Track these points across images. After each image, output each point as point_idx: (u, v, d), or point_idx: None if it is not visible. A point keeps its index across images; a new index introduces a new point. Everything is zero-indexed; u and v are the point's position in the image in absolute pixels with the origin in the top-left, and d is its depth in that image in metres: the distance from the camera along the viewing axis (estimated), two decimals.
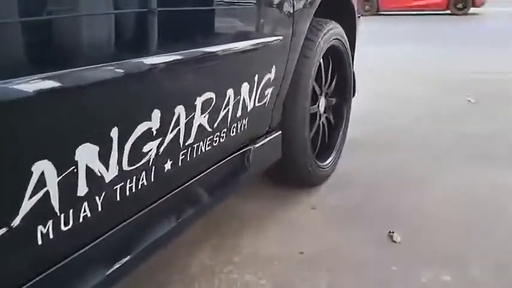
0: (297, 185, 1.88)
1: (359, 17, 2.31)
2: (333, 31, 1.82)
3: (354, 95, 2.33)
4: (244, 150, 1.39)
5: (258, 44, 1.29)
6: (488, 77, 4.06)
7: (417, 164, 2.13)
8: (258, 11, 1.30)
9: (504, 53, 5.50)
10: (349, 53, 2.05)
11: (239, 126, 1.30)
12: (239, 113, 1.27)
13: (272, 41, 1.35)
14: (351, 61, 2.08)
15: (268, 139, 1.51)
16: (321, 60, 1.82)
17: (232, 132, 1.28)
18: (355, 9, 2.16)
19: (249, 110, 1.32)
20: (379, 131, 2.64)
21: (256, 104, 1.36)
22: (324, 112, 1.99)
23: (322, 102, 1.92)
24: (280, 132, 1.57)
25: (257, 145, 1.46)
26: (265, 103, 1.41)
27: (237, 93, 1.22)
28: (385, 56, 5.42)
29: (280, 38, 1.39)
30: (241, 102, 1.26)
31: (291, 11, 1.44)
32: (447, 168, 2.07)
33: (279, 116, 1.56)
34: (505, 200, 1.77)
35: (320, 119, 1.93)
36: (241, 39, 1.24)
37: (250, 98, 1.32)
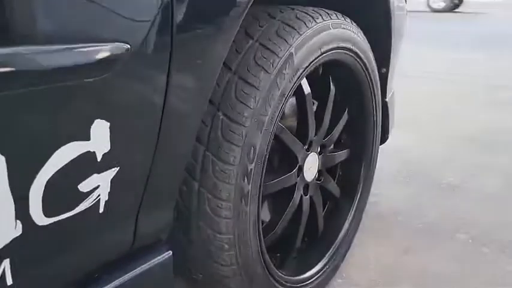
0: None
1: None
2: (329, 34, 0.93)
3: (385, 140, 1.40)
4: None
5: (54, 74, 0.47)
6: None
7: None
8: None
9: None
10: (373, 73, 1.13)
11: None
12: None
13: (98, 62, 0.51)
14: (375, 86, 1.15)
15: (130, 269, 0.66)
16: (304, 87, 0.94)
17: None
18: None
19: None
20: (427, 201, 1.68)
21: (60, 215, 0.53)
22: (318, 179, 1.10)
23: (310, 163, 1.03)
24: (169, 252, 0.71)
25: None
26: (94, 206, 0.57)
27: None
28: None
29: (127, 47, 0.54)
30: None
31: None
32: None
33: (165, 220, 0.71)
34: None
35: (307, 193, 1.05)
36: None
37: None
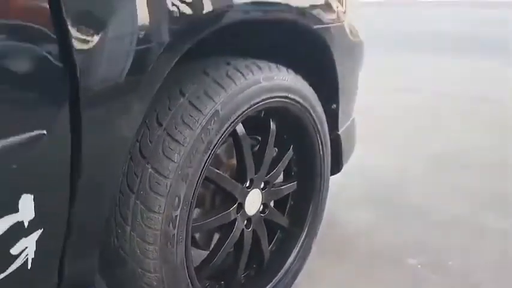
0: None
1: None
2: (259, 87, 1.01)
3: (339, 170, 1.48)
4: None
5: None
6: None
7: None
8: None
9: None
10: (315, 113, 1.20)
11: None
12: None
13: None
14: (318, 124, 1.23)
15: None
16: (239, 131, 1.03)
17: None
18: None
19: None
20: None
21: None
22: (262, 211, 1.19)
23: (252, 199, 1.13)
24: None
25: None
26: (23, 264, 0.67)
27: None
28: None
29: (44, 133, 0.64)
30: None
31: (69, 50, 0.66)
32: None
33: (90, 266, 0.81)
34: None
35: (249, 227, 1.14)
36: None
37: None
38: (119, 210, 0.88)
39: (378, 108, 2.98)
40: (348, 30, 1.33)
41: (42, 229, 0.69)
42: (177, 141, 0.87)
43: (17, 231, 0.66)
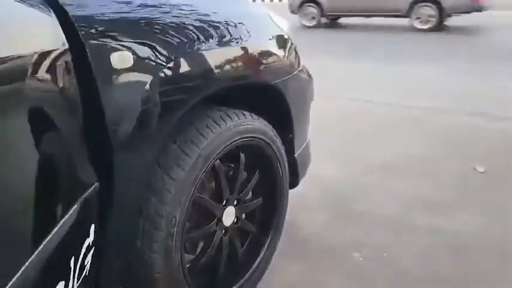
0: None
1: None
2: (231, 132, 1.35)
3: (296, 185, 1.85)
4: None
5: None
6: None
7: None
8: None
9: None
10: (274, 144, 1.56)
11: None
12: None
13: None
14: (277, 152, 1.58)
15: None
16: (217, 166, 1.38)
17: None
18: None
19: None
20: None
21: None
22: (236, 222, 1.54)
23: (228, 214, 1.48)
24: None
25: None
26: None
27: None
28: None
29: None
30: None
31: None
32: None
33: None
34: None
35: (226, 235, 1.50)
36: None
37: None
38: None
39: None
40: (299, 77, 1.71)
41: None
42: (172, 178, 1.22)
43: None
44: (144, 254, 1.22)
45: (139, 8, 1.17)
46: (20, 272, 0.75)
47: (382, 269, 1.76)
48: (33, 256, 0.78)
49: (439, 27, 9.33)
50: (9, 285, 0.72)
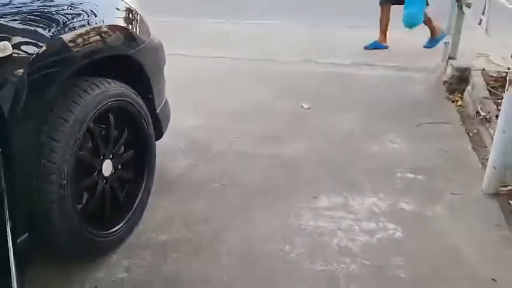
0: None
1: None
2: (101, 96, 1.65)
3: (160, 137, 2.22)
4: None
5: None
6: (330, 70, 4.05)
7: None
8: None
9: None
10: (138, 104, 1.89)
11: None
12: None
13: None
14: (141, 110, 1.92)
15: None
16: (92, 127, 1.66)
17: None
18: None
19: None
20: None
21: None
22: (114, 172, 1.86)
23: (106, 165, 1.79)
24: None
25: None
26: None
27: None
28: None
29: None
30: None
31: None
32: None
33: None
34: None
35: (107, 183, 1.81)
36: None
37: None
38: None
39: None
40: (151, 45, 2.02)
41: None
42: (56, 141, 1.49)
43: None
44: (43, 205, 1.49)
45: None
46: None
47: (235, 189, 2.27)
48: None
49: None
50: None
